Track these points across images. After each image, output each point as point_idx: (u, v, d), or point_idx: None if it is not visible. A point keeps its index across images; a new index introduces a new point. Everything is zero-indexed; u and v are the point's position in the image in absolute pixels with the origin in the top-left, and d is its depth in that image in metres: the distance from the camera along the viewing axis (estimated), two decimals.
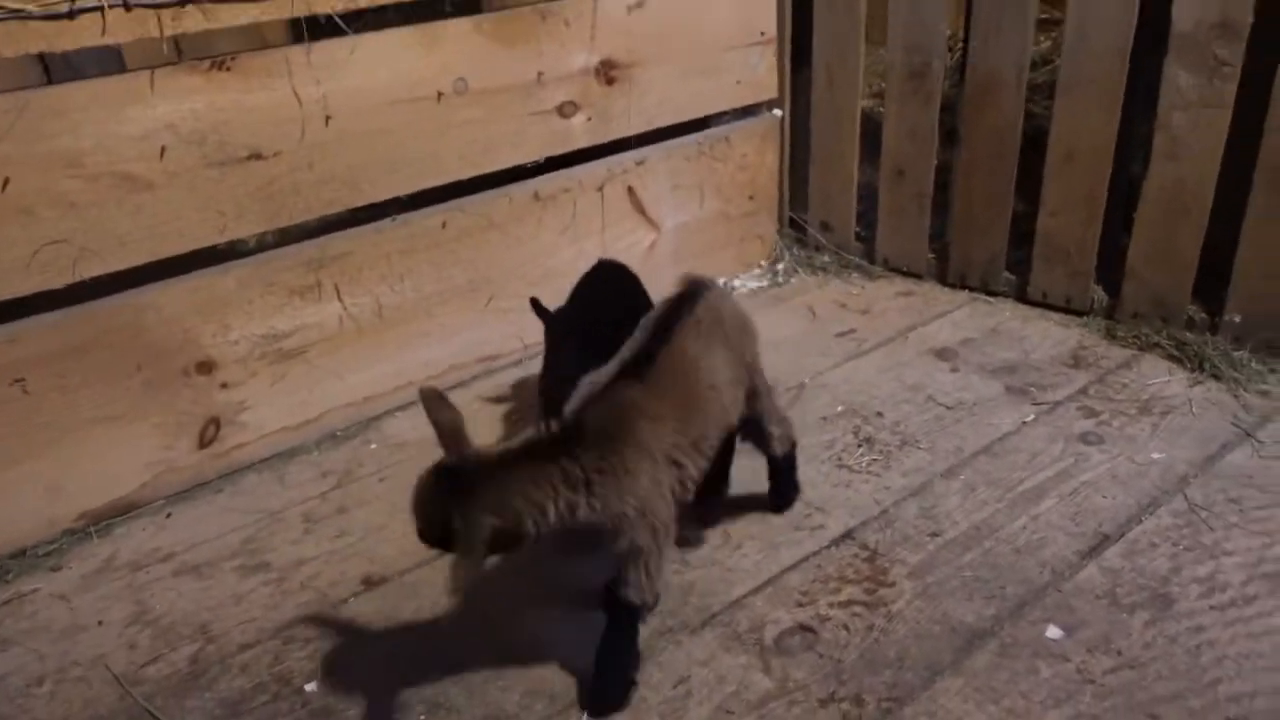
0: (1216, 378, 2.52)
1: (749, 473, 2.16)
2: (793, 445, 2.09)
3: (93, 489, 2.21)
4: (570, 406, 1.60)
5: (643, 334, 1.72)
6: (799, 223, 3.37)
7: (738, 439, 2.04)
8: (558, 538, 1.54)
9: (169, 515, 2.28)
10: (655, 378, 1.63)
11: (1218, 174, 2.52)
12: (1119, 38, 2.57)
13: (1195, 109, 2.50)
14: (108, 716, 1.75)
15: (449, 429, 1.48)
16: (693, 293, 1.79)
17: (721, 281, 3.20)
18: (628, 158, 2.88)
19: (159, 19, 2.00)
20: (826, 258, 3.30)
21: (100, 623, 1.97)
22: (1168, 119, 2.55)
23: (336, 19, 2.21)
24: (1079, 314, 2.87)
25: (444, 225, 2.57)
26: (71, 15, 1.92)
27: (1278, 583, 1.88)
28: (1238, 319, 2.58)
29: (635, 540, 1.57)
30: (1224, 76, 2.44)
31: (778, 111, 3.21)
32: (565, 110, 2.70)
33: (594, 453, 1.52)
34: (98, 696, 1.79)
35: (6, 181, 1.96)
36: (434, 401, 1.50)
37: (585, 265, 2.89)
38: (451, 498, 1.43)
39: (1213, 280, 2.63)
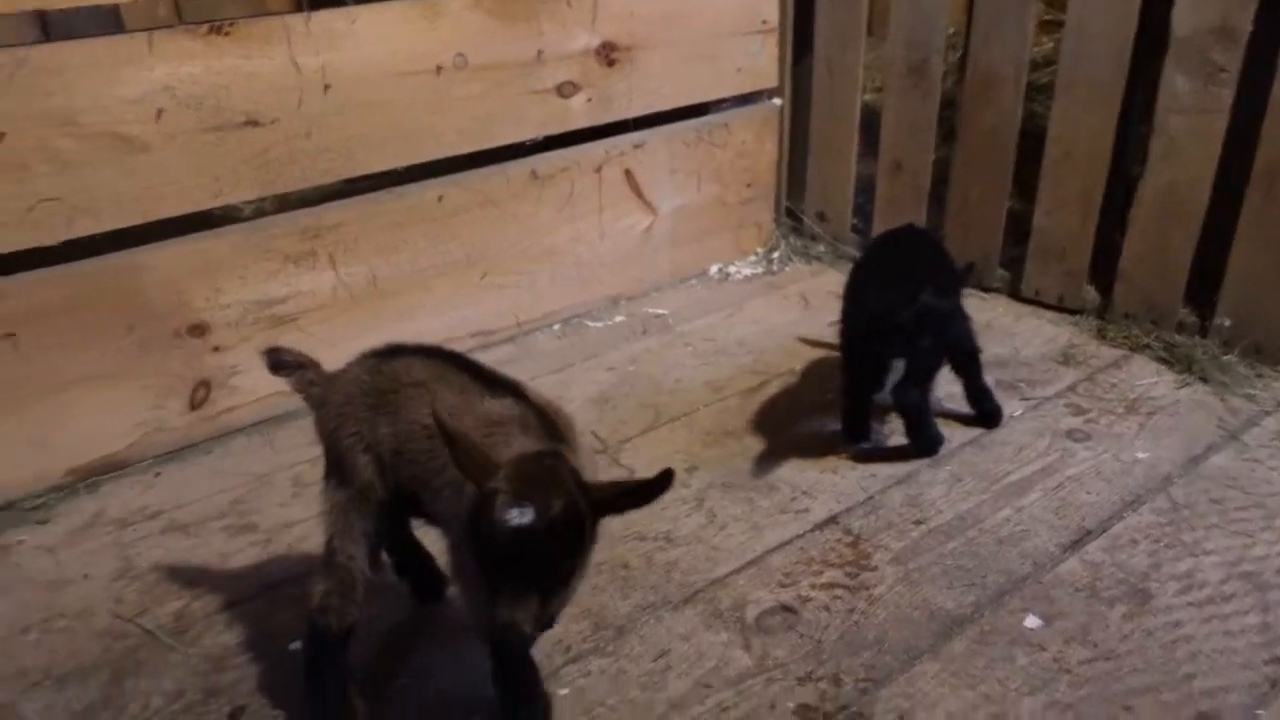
0: (1204, 380, 2.54)
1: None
2: None
3: (81, 446, 2.21)
4: None
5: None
6: (795, 212, 3.38)
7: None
8: None
9: (157, 474, 2.28)
10: None
11: (1213, 179, 2.54)
12: (1118, 41, 2.58)
13: (1192, 114, 2.52)
14: (92, 667, 1.75)
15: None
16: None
17: (716, 269, 3.21)
18: (626, 140, 2.89)
19: None
20: (822, 247, 3.31)
21: (86, 576, 1.97)
22: (1165, 123, 2.56)
23: None
24: (1071, 313, 2.89)
25: (440, 199, 2.57)
26: None
27: (1255, 582, 1.90)
28: (1228, 323, 2.60)
29: None
30: (1221, 82, 2.46)
31: (777, 101, 3.21)
32: (565, 90, 2.70)
33: None
34: (82, 647, 1.79)
35: (2, 136, 1.96)
36: None
37: (582, 246, 2.89)
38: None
39: (1204, 284, 2.65)
